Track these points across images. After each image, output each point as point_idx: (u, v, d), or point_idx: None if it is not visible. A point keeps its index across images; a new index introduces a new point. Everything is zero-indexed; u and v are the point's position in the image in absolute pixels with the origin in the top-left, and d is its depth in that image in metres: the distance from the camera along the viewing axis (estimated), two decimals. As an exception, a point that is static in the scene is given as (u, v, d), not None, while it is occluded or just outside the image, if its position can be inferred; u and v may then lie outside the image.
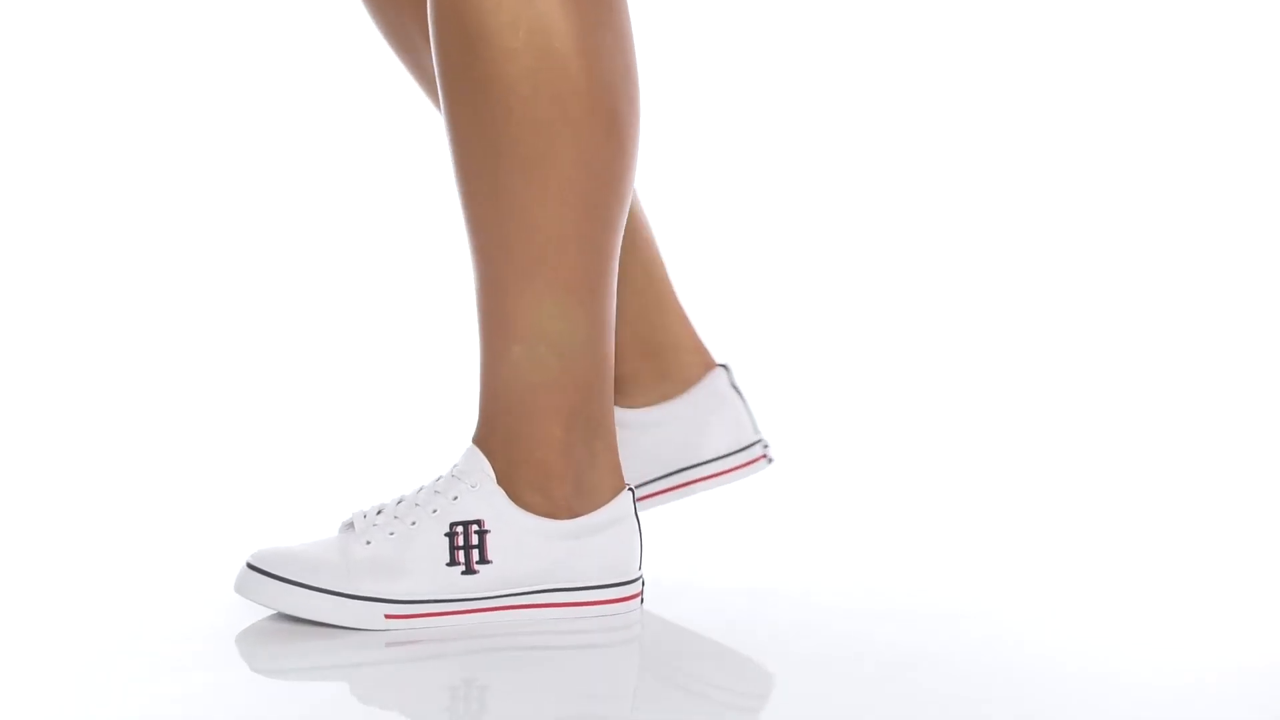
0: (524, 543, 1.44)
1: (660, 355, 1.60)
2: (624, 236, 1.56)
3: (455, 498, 1.45)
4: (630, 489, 1.47)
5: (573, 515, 1.46)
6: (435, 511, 1.44)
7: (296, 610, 1.43)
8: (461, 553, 1.44)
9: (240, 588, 1.44)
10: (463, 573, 1.44)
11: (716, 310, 1.91)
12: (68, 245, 2.93)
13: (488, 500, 1.44)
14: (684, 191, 2.87)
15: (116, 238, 2.95)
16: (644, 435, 1.59)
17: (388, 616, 1.43)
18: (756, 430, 1.60)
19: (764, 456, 1.60)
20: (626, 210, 1.45)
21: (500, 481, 1.45)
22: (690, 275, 1.76)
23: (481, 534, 1.44)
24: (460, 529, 1.44)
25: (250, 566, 1.44)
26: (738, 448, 1.59)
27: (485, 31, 1.38)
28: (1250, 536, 1.79)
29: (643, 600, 1.49)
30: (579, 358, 1.44)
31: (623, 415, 1.58)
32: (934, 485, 2.04)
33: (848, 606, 1.49)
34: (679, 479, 1.60)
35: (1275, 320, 2.79)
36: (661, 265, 1.61)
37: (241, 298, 2.90)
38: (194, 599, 1.53)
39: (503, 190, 1.40)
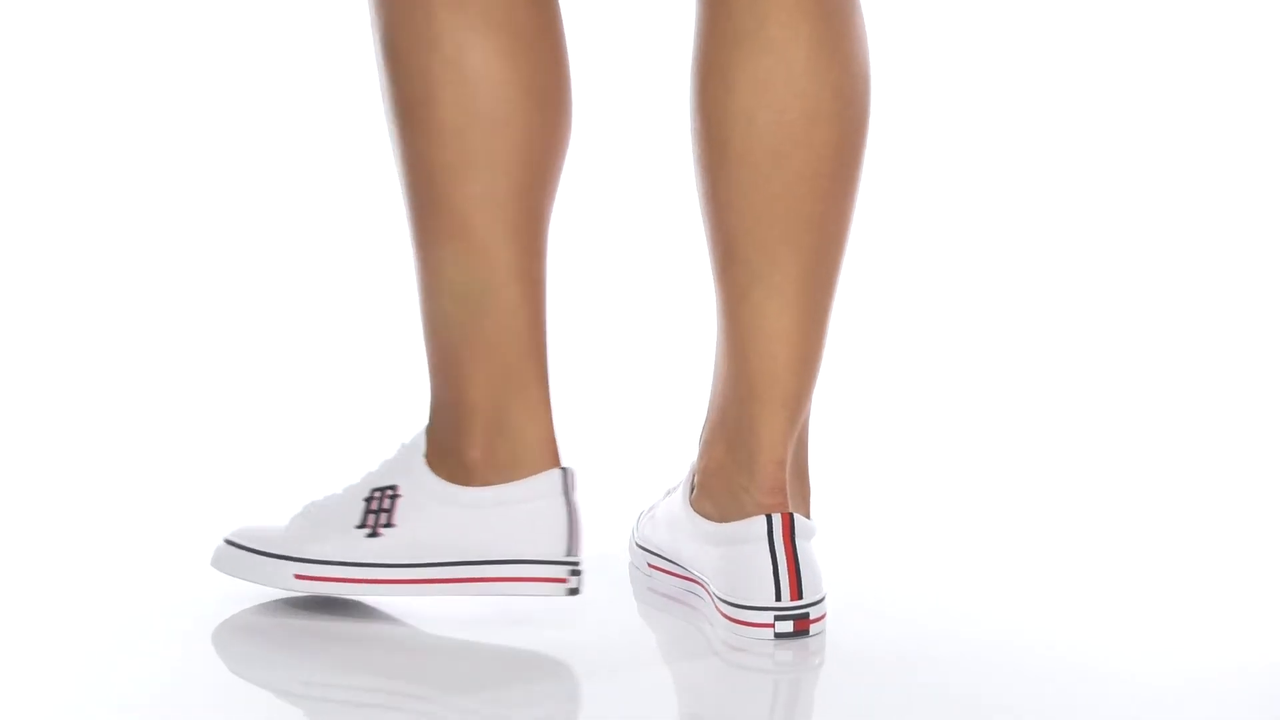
0: (431, 508, 1.44)
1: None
2: None
3: (380, 465, 1.46)
4: (565, 470, 1.44)
5: (487, 484, 1.44)
6: (363, 479, 1.46)
7: (224, 568, 1.46)
8: (372, 516, 1.44)
9: (213, 559, 1.48)
10: (368, 535, 1.44)
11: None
12: (59, 241, 2.93)
13: (405, 465, 1.45)
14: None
15: (97, 229, 2.94)
16: None
17: (297, 576, 1.44)
18: None
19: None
20: (534, 163, 1.42)
21: (430, 450, 1.45)
22: (692, 277, 1.76)
23: (394, 498, 1.44)
24: (378, 494, 1.45)
25: (225, 540, 1.48)
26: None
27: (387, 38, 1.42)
28: (1250, 536, 1.79)
29: (577, 591, 1.44)
30: (484, 312, 1.43)
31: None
32: (933, 485, 2.04)
33: (847, 606, 1.49)
34: None
35: (1275, 320, 2.79)
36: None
37: (235, 294, 2.89)
38: (176, 586, 1.53)
39: (400, 137, 1.42)
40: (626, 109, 2.91)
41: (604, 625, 1.46)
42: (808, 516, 1.48)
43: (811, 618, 1.41)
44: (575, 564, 1.43)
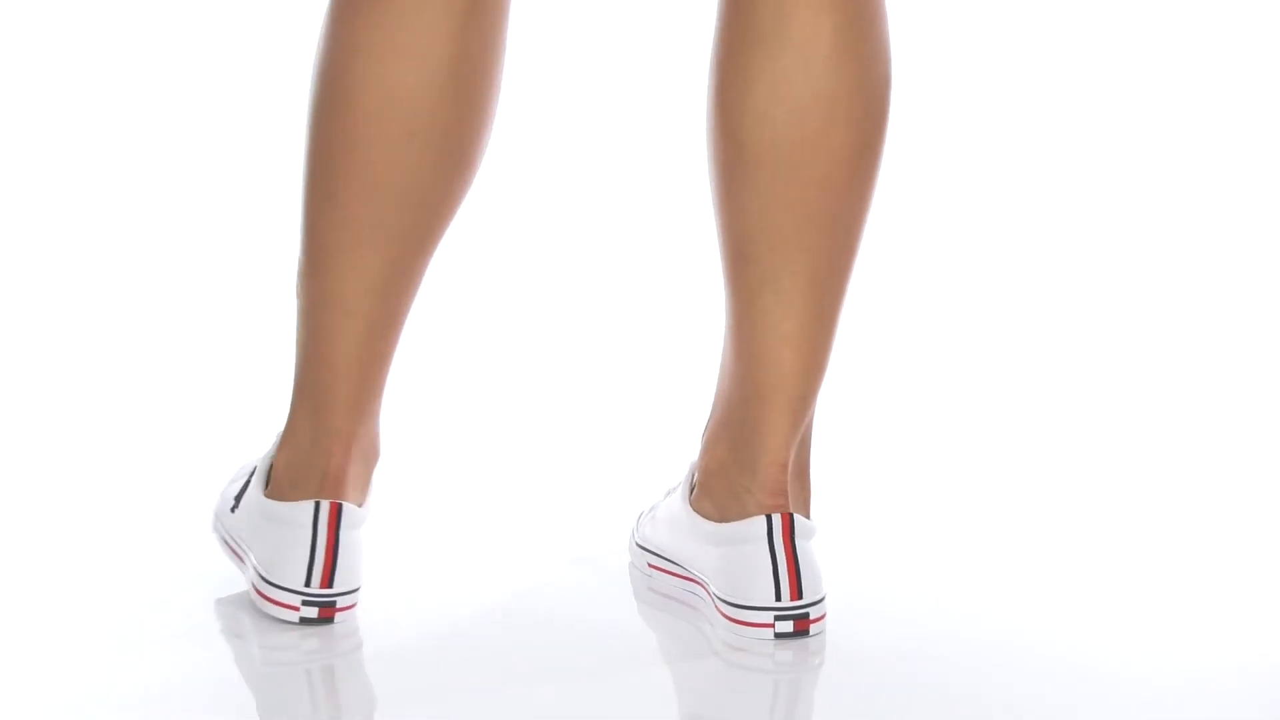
0: (248, 504, 1.48)
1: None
2: None
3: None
4: (324, 503, 1.42)
5: (278, 498, 1.46)
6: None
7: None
8: (242, 492, 1.50)
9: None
10: (231, 509, 1.51)
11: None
12: (54, 241, 2.93)
13: (264, 456, 1.49)
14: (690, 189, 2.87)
15: (90, 229, 2.94)
16: None
17: (216, 524, 1.53)
18: None
19: None
20: (392, 196, 1.41)
21: None
22: (696, 276, 1.76)
23: (248, 483, 1.50)
24: (250, 474, 1.51)
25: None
26: None
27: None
28: (1250, 536, 1.79)
29: (311, 621, 1.41)
30: (307, 331, 1.44)
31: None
32: (934, 485, 2.04)
33: (847, 606, 1.49)
34: None
35: (1275, 320, 2.79)
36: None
37: (236, 286, 2.89)
38: (176, 585, 1.53)
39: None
40: (638, 107, 2.91)
41: (604, 625, 1.46)
42: (808, 517, 1.48)
43: (811, 618, 1.41)
44: (312, 596, 1.41)
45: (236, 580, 1.48)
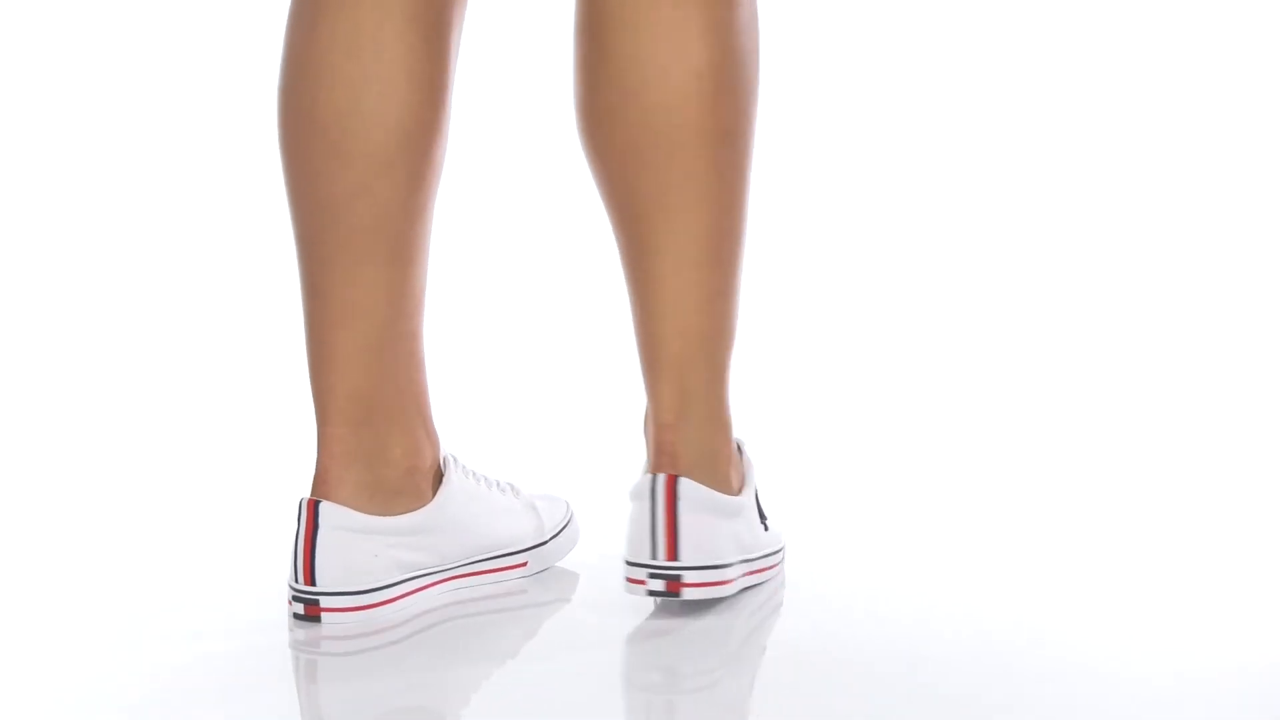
0: None
1: None
2: None
3: None
4: (305, 500, 1.45)
5: None
6: None
7: None
8: None
9: None
10: None
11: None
12: (60, 243, 2.93)
13: None
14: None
15: (96, 231, 2.95)
16: None
17: None
18: None
19: None
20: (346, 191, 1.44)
21: None
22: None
23: None
24: None
25: None
26: None
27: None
28: (1250, 536, 1.79)
29: (300, 616, 1.44)
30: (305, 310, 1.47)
31: None
32: (933, 486, 2.04)
33: (847, 606, 1.49)
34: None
35: (1275, 320, 2.79)
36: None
37: (246, 292, 2.90)
38: (175, 585, 1.53)
39: None
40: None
41: (605, 625, 1.46)
42: (736, 492, 1.49)
43: (686, 581, 1.42)
44: (299, 592, 1.44)
45: (235, 581, 1.49)
